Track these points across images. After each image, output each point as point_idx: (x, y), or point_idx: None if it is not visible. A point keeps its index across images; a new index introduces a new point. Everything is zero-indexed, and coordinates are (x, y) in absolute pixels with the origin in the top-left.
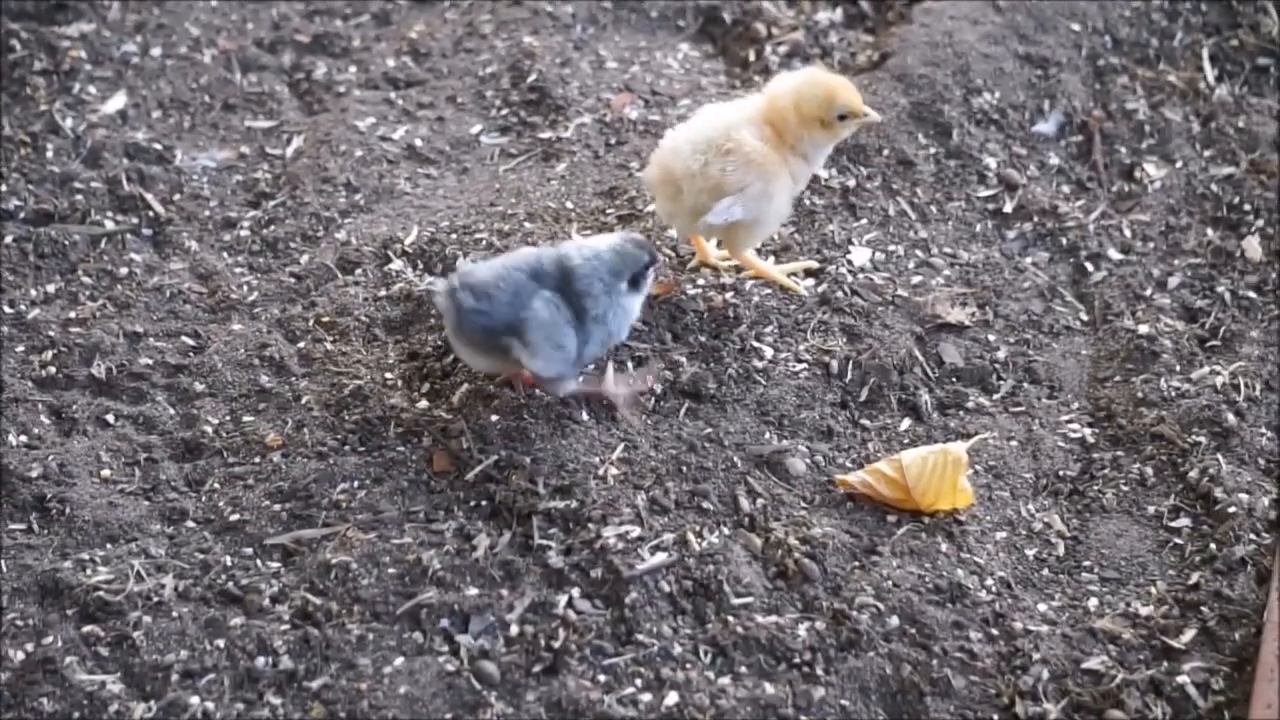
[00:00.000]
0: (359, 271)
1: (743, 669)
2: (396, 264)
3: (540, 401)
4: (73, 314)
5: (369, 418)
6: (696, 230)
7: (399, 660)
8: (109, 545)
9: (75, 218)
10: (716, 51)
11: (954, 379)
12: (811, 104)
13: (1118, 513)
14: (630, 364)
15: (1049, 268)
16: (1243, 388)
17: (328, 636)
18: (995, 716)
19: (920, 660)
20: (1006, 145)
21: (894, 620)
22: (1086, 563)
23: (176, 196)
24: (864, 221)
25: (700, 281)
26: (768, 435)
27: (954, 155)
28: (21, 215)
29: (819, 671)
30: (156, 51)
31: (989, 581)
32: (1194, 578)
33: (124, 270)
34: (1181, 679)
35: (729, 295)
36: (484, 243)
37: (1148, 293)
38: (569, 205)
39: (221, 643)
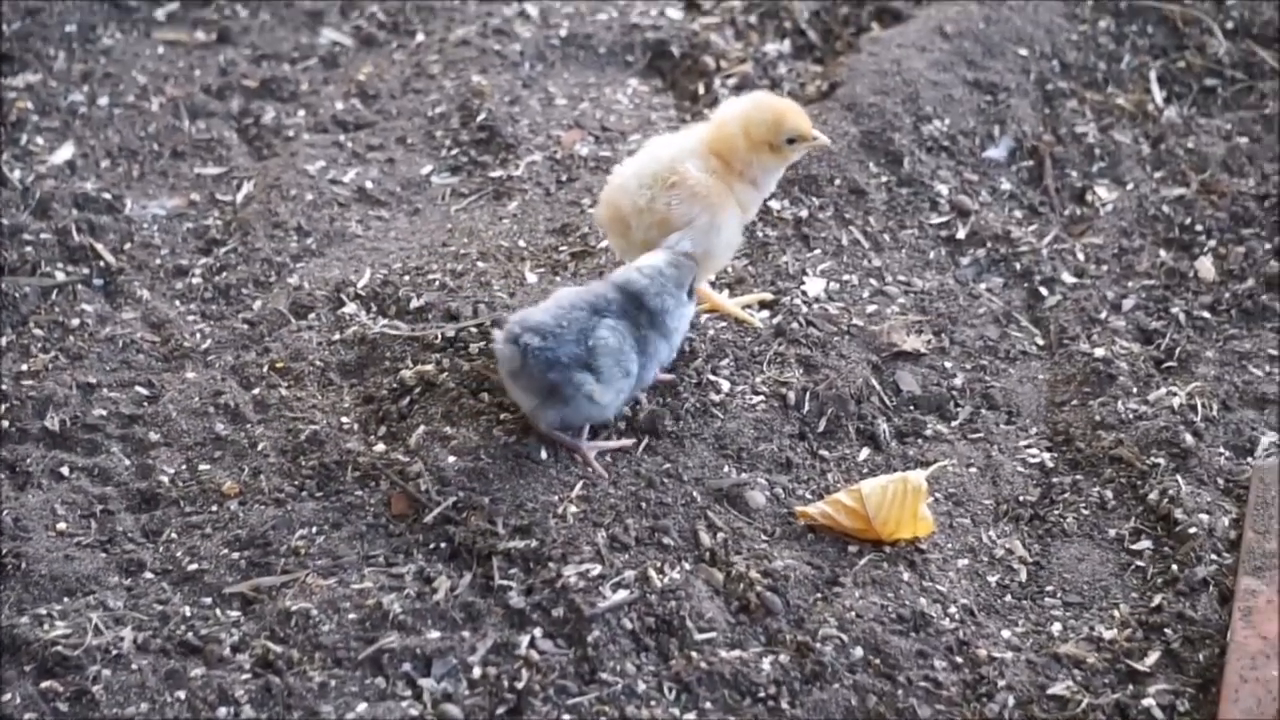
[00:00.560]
0: (312, 316)
1: (707, 705)
2: (350, 307)
3: (498, 442)
4: (24, 366)
5: (326, 462)
6: None
7: (362, 706)
8: (66, 599)
9: (25, 270)
10: (666, 86)
11: (911, 407)
12: (760, 128)
13: (1079, 537)
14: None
15: (1003, 293)
16: (1200, 408)
17: (289, 685)
18: None
19: (885, 691)
20: (958, 172)
21: (858, 651)
22: (1049, 588)
23: (127, 246)
24: (817, 252)
25: None
26: (726, 469)
27: (905, 183)
28: None
29: (784, 705)
30: (104, 101)
31: (952, 609)
32: (1156, 600)
33: (76, 321)
34: (1147, 702)
35: None
36: (437, 283)
37: (1102, 315)
38: (521, 244)
39: (182, 694)
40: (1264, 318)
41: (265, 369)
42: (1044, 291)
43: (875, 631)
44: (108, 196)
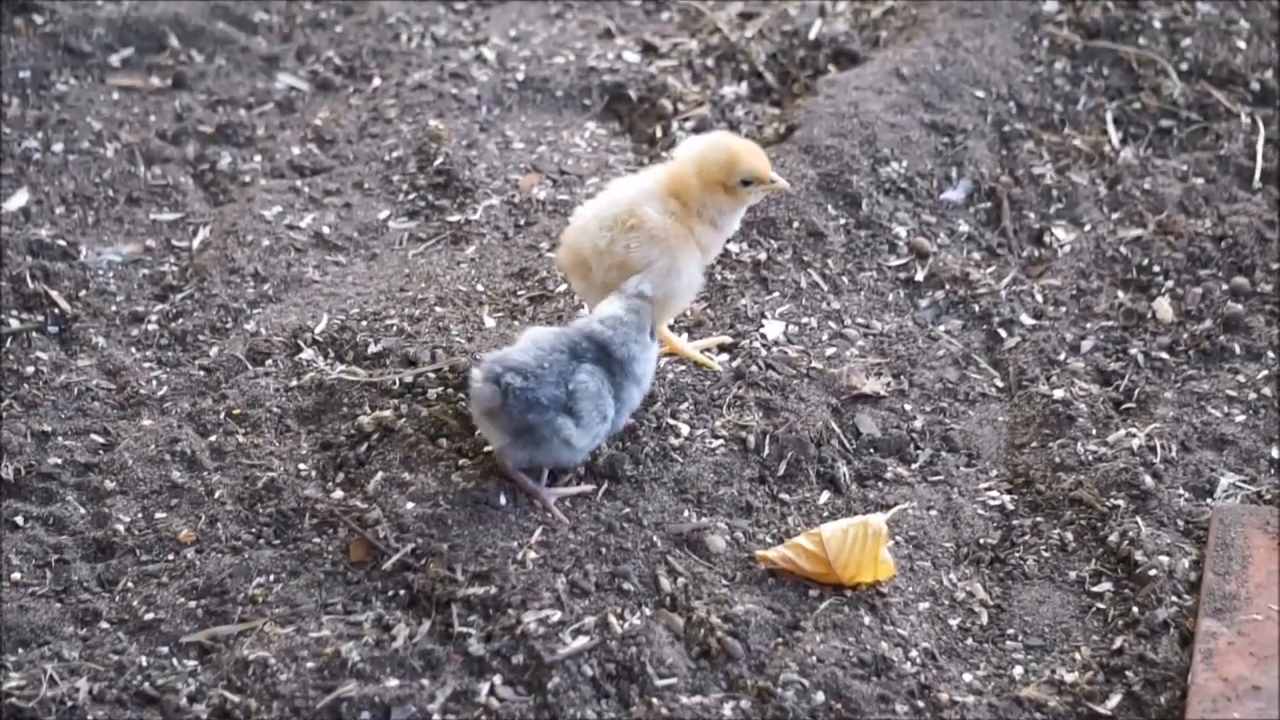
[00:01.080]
0: (269, 362)
1: None
2: (307, 353)
3: (457, 488)
4: None
5: (283, 510)
6: None
7: None
8: (20, 650)
9: None
10: (623, 129)
11: (871, 450)
12: (713, 168)
13: (1039, 579)
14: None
15: (962, 335)
16: (1159, 449)
17: None
18: None
19: None
20: (916, 214)
21: (819, 696)
22: (1010, 630)
23: (82, 292)
24: (776, 294)
25: None
26: (686, 513)
27: (864, 225)
28: None
29: None
30: (58, 147)
31: (913, 653)
32: (1118, 642)
33: (30, 369)
34: None
35: None
36: (395, 328)
37: (1061, 357)
38: (480, 288)
39: None
40: (1222, 358)
41: (222, 416)
42: (1003, 333)
43: (837, 676)
44: (63, 243)
